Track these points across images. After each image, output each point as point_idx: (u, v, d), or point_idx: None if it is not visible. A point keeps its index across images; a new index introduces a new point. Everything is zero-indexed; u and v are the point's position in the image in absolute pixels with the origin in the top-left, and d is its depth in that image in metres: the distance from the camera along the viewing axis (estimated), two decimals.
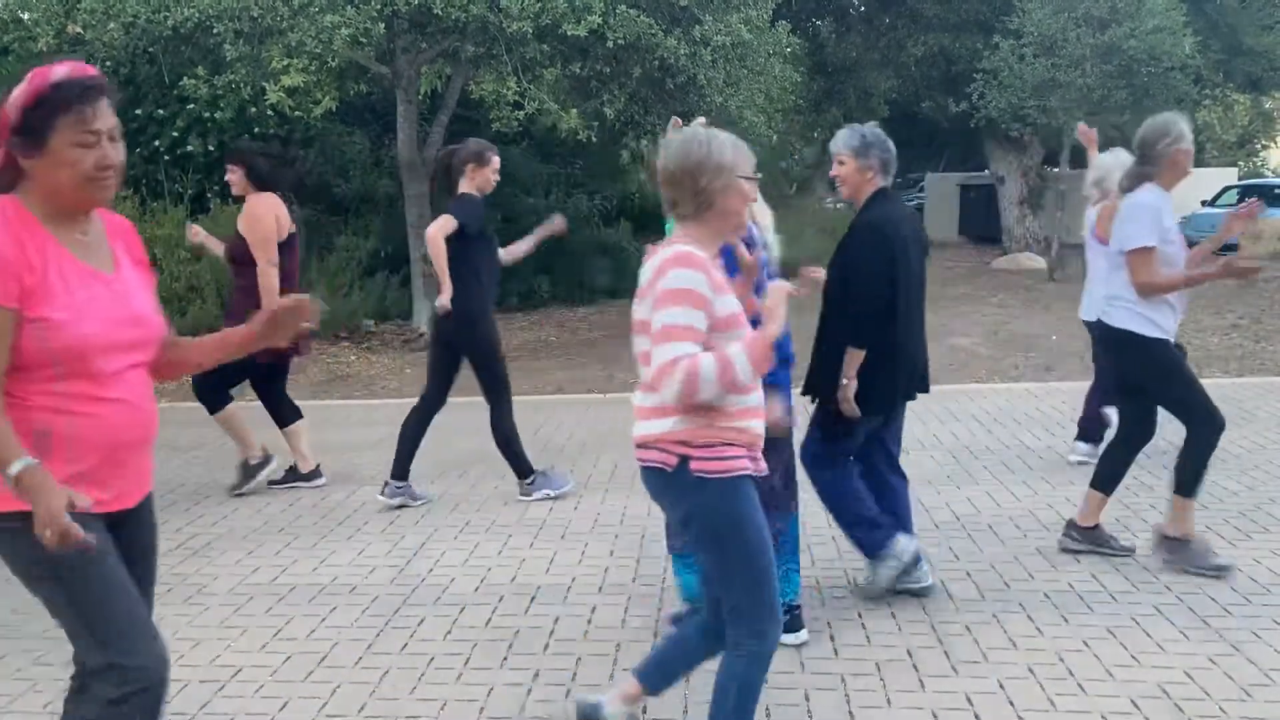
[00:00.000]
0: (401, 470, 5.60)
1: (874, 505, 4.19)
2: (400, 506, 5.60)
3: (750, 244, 3.26)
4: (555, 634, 3.98)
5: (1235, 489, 5.53)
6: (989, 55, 16.38)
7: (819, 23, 20.48)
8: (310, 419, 6.21)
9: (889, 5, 19.52)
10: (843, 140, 4.11)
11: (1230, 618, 3.95)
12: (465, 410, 6.38)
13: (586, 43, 9.95)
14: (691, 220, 2.68)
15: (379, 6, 9.60)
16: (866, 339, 3.99)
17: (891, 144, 4.16)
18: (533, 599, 4.32)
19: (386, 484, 5.62)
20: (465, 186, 5.40)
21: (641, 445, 2.69)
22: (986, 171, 21.17)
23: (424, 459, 5.79)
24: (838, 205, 24.99)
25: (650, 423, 2.66)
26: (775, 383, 3.49)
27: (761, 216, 3.75)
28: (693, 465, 2.60)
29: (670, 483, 2.65)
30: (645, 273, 2.65)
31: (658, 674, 3.00)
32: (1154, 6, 14.90)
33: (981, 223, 21.95)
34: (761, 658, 2.71)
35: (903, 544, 4.12)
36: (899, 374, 4.12)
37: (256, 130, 13.84)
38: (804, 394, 4.15)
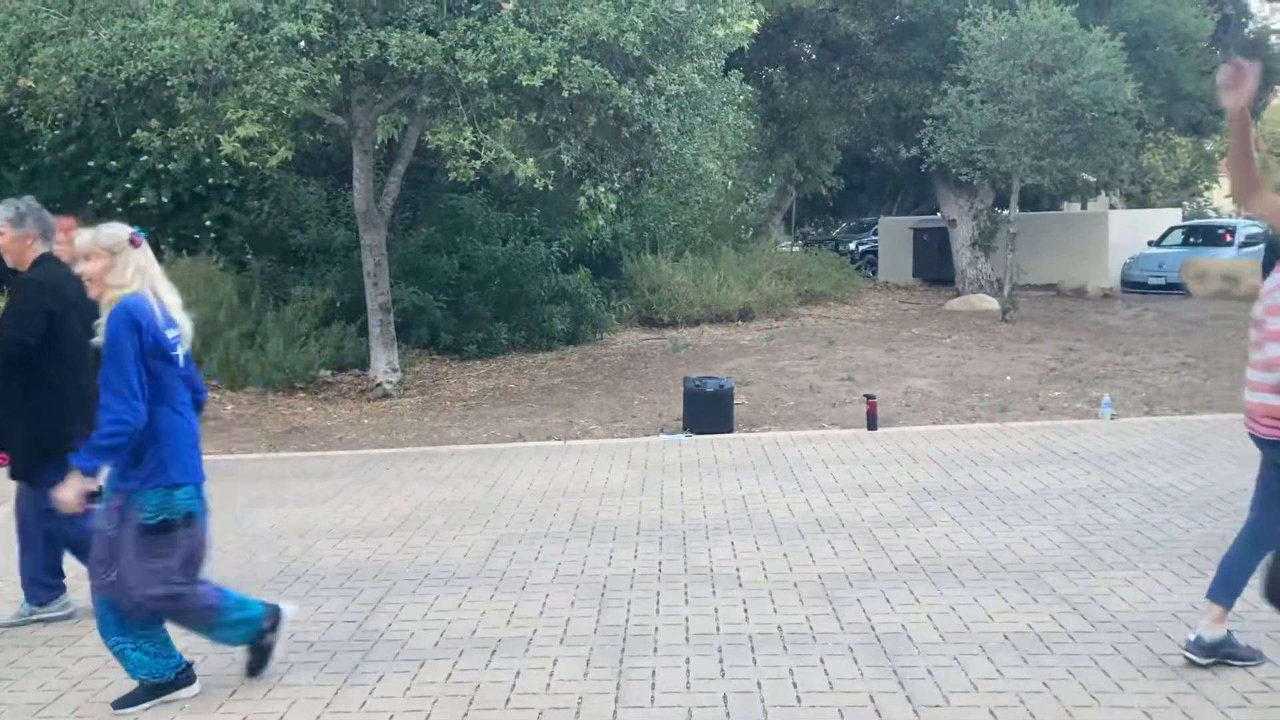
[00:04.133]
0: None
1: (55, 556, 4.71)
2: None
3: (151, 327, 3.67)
4: (517, 688, 3.94)
5: (1187, 526, 5.61)
6: (938, 102, 16.70)
7: (771, 71, 20.77)
8: (267, 472, 6.13)
9: (839, 54, 19.85)
10: (0, 213, 4.59)
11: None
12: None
13: (542, 93, 10.03)
14: None
15: (334, 59, 9.62)
16: (12, 386, 4.43)
17: (48, 214, 4.64)
18: (494, 652, 4.28)
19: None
20: None
21: (1257, 416, 3.64)
22: (938, 215, 21.50)
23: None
24: (793, 249, 25.25)
25: (1273, 397, 3.58)
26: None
27: (169, 296, 3.84)
28: None
29: None
30: (1270, 282, 3.61)
31: (1225, 591, 3.83)
32: (1095, 54, 15.28)
33: (935, 265, 22.22)
34: None
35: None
36: (40, 435, 4.42)
37: (211, 181, 13.79)
38: None
